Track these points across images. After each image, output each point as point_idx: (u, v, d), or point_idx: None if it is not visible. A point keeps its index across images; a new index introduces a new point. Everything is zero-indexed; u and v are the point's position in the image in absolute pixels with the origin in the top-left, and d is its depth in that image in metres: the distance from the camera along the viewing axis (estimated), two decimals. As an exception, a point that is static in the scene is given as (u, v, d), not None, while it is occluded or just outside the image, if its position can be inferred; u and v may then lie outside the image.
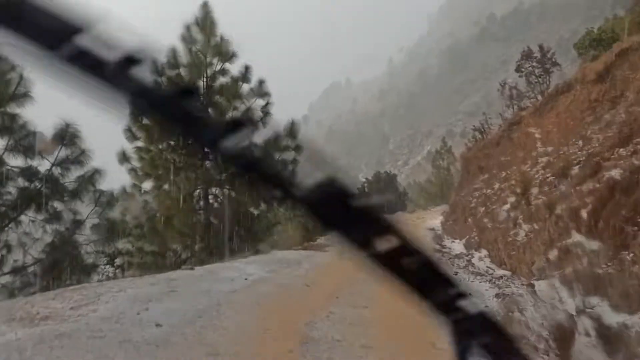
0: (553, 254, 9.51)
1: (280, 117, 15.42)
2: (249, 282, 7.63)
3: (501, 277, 9.02)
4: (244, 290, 6.97)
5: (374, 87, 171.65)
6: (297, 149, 15.48)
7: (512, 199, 13.33)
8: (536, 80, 22.25)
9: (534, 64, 22.14)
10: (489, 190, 16.64)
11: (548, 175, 12.01)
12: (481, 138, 22.58)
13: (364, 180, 43.97)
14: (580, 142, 12.26)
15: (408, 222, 26.02)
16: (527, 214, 11.42)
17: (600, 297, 7.15)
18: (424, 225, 24.47)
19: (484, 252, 12.76)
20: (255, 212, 16.17)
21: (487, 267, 11.64)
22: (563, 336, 5.50)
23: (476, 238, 14.01)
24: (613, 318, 6.31)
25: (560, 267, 9.01)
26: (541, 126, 16.29)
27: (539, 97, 22.09)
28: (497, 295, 7.16)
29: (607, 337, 5.85)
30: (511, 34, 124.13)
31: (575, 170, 11.05)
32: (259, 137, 0.61)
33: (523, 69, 22.50)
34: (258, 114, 15.44)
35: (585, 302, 7.10)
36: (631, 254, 7.15)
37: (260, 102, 15.52)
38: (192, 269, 8.59)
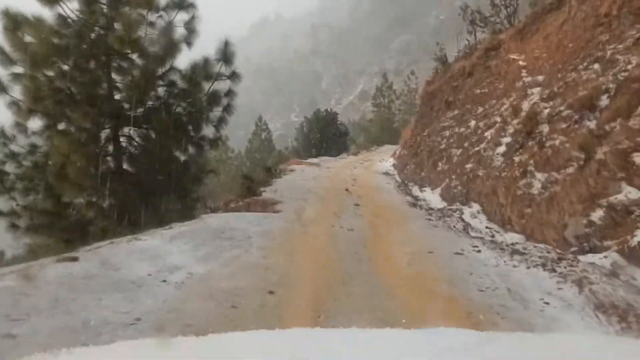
0: (597, 215, 6.96)
1: (205, 52, 11.62)
2: (169, 289, 4.45)
3: (560, 258, 6.25)
4: (157, 313, 3.81)
5: (305, 22, 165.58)
6: (233, 77, 12.01)
7: (507, 139, 10.73)
8: (502, 3, 19.53)
9: (501, -17, 19.33)
10: (462, 129, 14.03)
11: (561, 108, 9.39)
12: (443, 69, 19.75)
13: (302, 119, 40.68)
14: (597, 66, 9.67)
15: (356, 165, 23.44)
16: (540, 159, 8.82)
17: None
18: (374, 168, 21.91)
19: (476, 206, 10.17)
20: (182, 158, 12.65)
21: (486, 228, 9.08)
22: None
23: (459, 188, 11.40)
24: None
25: (615, 236, 6.47)
26: (526, 51, 13.68)
27: (506, 22, 19.53)
28: (598, 308, 4.37)
29: None
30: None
31: (605, 101, 8.48)
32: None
33: (488, -11, 19.66)
34: (180, 31, 11.72)
35: None
36: None
37: (184, 15, 11.73)
38: (74, 259, 5.27)
